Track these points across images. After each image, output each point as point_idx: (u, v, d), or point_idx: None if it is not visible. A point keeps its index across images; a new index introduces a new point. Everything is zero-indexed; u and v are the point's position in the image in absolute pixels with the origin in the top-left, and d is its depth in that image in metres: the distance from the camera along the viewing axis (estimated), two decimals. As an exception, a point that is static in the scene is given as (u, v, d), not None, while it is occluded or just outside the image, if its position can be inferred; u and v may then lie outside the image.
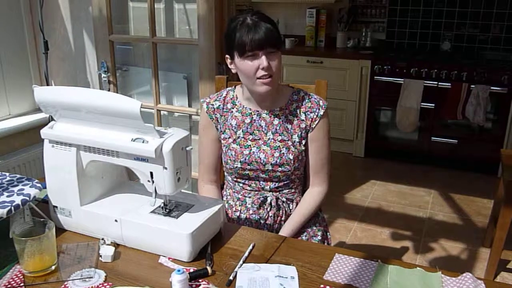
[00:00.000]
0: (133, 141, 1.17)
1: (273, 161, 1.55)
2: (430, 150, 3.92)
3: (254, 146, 1.57)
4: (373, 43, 4.29)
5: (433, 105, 3.74)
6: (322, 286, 1.10)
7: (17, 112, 2.72)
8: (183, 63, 2.82)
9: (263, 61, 1.44)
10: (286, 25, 4.59)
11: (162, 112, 2.66)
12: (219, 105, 1.62)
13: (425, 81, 3.70)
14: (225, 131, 1.61)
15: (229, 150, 1.59)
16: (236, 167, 1.58)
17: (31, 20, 2.71)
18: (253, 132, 1.59)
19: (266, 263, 1.19)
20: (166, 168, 1.16)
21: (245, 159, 1.57)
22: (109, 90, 2.64)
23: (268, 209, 1.60)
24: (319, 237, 1.63)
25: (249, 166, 1.57)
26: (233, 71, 1.54)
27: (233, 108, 1.61)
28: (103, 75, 2.64)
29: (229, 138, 1.60)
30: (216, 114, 1.62)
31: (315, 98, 1.60)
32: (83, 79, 2.78)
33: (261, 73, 1.46)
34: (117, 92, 2.68)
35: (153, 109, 2.61)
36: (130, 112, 1.13)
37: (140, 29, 2.82)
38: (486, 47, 4.00)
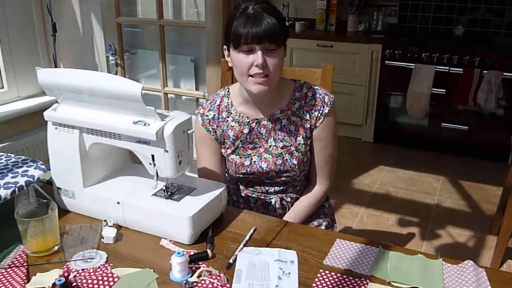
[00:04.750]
0: (135, 123, 1.17)
1: (276, 169, 1.47)
2: (440, 136, 3.87)
3: (254, 155, 1.48)
4: (385, 27, 4.22)
5: (444, 90, 3.69)
6: (321, 270, 1.10)
7: (26, 94, 2.73)
8: (190, 46, 2.81)
9: (258, 57, 1.29)
10: (296, 9, 4.53)
11: (169, 95, 2.66)
12: (214, 115, 1.49)
13: (437, 66, 3.65)
14: (224, 141, 1.50)
15: (228, 161, 1.51)
16: (238, 177, 1.52)
17: (40, 2, 2.71)
18: (253, 140, 1.48)
19: (266, 247, 1.19)
20: (167, 151, 1.16)
21: (247, 170, 1.48)
22: (116, 73, 2.64)
23: (273, 210, 1.56)
24: (323, 227, 1.60)
25: (252, 176, 1.50)
26: (229, 64, 1.41)
27: (228, 117, 1.48)
28: (110, 57, 2.63)
29: (228, 148, 1.50)
30: (212, 126, 1.49)
31: (320, 94, 1.46)
32: (91, 62, 2.78)
33: (254, 70, 1.31)
34: (124, 75, 2.68)
35: (160, 92, 2.61)
36: (131, 94, 1.12)
37: (148, 12, 2.81)
38: (500, 32, 3.91)
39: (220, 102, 1.51)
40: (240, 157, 1.49)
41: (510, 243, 2.39)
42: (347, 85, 4.03)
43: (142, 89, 1.11)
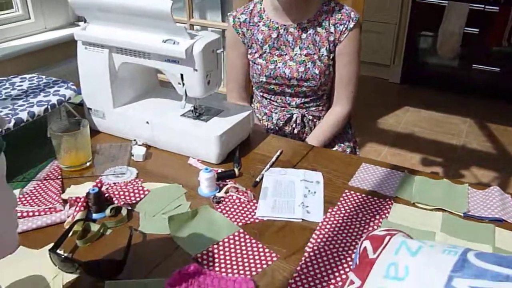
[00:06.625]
0: (164, 42, 1.17)
1: (297, 76, 1.51)
2: (470, 78, 3.77)
3: (280, 62, 1.52)
4: (419, -38, 4.03)
5: (478, 30, 3.55)
6: (346, 191, 1.11)
7: (53, 26, 2.73)
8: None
9: None
10: None
11: (195, 27, 2.63)
12: (246, 18, 1.56)
13: (471, 4, 3.49)
14: (251, 45, 1.56)
15: (255, 65, 1.56)
16: (261, 81, 1.56)
17: None
18: (280, 47, 1.53)
19: (293, 168, 1.21)
20: (196, 70, 1.16)
21: (270, 73, 1.53)
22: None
23: (294, 126, 1.60)
24: (347, 153, 1.63)
25: (274, 81, 1.54)
26: None
27: (259, 22, 1.54)
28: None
29: (255, 52, 1.56)
30: (242, 28, 1.56)
31: (346, 9, 1.50)
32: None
33: None
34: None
35: (186, 23, 2.58)
36: (160, 11, 1.11)
37: None
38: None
39: (253, 7, 1.57)
40: (266, 62, 1.54)
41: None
42: (377, 24, 3.91)
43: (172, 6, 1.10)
